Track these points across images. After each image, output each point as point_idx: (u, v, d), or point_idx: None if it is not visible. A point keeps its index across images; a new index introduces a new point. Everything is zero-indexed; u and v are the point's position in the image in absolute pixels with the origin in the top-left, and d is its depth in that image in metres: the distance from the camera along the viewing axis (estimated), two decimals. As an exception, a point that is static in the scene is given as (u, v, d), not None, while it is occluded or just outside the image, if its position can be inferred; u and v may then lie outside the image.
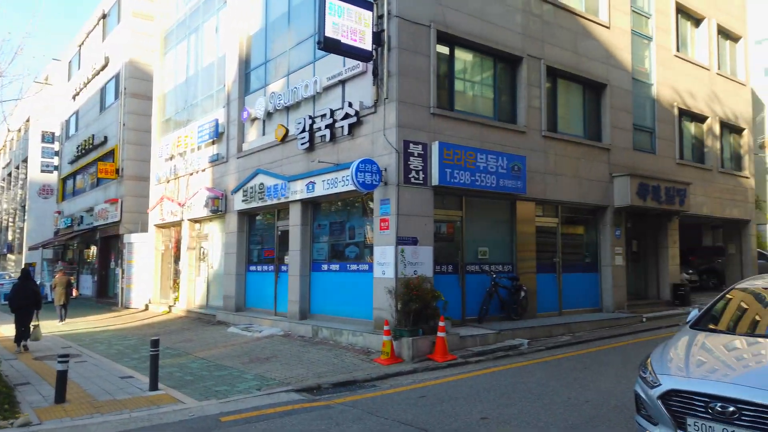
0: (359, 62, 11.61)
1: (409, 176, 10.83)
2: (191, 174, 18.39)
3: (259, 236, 15.64)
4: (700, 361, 5.21)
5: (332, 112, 12.20)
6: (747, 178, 20.38)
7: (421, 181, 11.00)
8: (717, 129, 19.04)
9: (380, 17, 11.16)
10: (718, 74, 19.27)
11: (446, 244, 11.83)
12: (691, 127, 18.45)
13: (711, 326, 6.02)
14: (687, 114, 18.01)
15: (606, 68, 15.05)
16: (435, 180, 11.02)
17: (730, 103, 19.75)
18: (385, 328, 9.77)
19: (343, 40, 10.55)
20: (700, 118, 18.63)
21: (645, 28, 16.79)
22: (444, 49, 11.96)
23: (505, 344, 10.73)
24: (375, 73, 11.14)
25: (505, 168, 12.10)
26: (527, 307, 12.59)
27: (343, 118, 11.83)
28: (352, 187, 11.03)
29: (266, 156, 14.59)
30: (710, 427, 4.59)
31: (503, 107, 12.98)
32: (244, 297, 15.67)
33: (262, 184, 14.37)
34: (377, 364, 9.61)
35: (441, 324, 9.76)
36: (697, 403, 4.71)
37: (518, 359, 10.05)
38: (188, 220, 18.49)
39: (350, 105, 11.68)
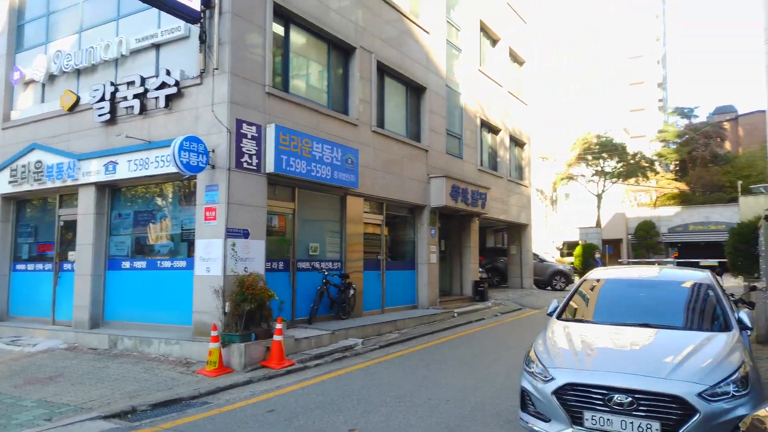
0: (180, 24, 9.97)
1: (242, 160, 9.57)
2: (-73, 146, 14.18)
3: (31, 227, 12.61)
4: (589, 352, 5.18)
5: (144, 79, 10.28)
6: (527, 186, 23.00)
7: (255, 167, 9.82)
8: (507, 141, 21.09)
9: (210, -24, 9.70)
10: (508, 92, 21.37)
11: (277, 239, 10.77)
12: (489, 138, 20.12)
13: (578, 317, 6.15)
14: (486, 125, 19.57)
15: (426, 72, 15.47)
16: (270, 166, 9.93)
17: (517, 120, 22.08)
18: (212, 333, 8.40)
19: (169, -6, 8.89)
20: (495, 130, 20.42)
21: (456, 39, 17.77)
22: (279, 27, 10.92)
23: (340, 345, 10.10)
24: (202, 39, 9.63)
25: (340, 160, 11.52)
26: (354, 306, 12.16)
27: (158, 88, 10.02)
28: (171, 169, 9.38)
29: (46, 128, 11.81)
30: (608, 419, 4.51)
31: (336, 97, 12.40)
32: (8, 303, 12.47)
33: (39, 162, 11.57)
34: (202, 376, 8.19)
35: (278, 326, 8.73)
36: (594, 396, 4.62)
37: (357, 360, 9.50)
38: None
39: (168, 73, 9.95)
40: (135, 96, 10.31)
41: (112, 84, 10.66)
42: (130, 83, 10.41)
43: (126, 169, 10.32)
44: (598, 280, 6.83)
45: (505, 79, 21.05)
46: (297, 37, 11.47)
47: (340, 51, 12.50)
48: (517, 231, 22.86)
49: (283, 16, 10.85)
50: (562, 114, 58.16)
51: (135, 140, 10.10)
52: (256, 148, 9.86)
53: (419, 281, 15.07)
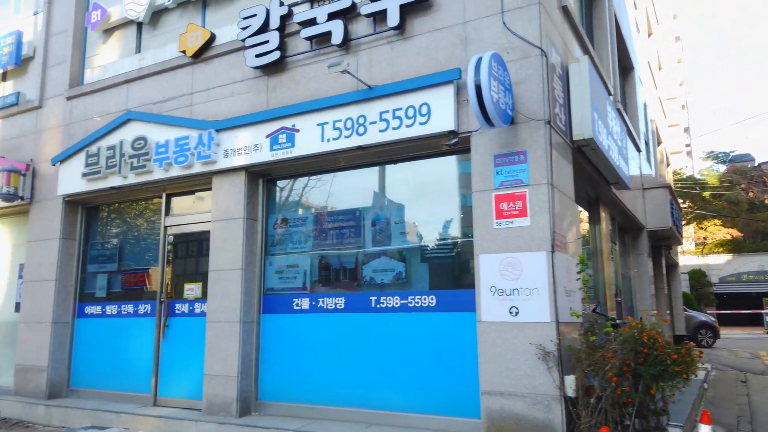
0: None
1: (555, 112, 5.30)
2: (-54, 134, 9.79)
3: (111, 248, 8.06)
4: None
5: (349, -12, 6.11)
6: (673, 215, 18.84)
7: (564, 129, 5.54)
8: (666, 155, 17.05)
9: None
10: (659, 97, 17.49)
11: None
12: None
13: None
14: (655, 128, 15.53)
15: (629, 44, 11.44)
16: (584, 129, 5.63)
17: (662, 128, 18.16)
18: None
19: None
20: (658, 140, 16.40)
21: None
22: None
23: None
24: None
25: (621, 138, 7.30)
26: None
27: (381, -2, 5.83)
28: (412, 132, 5.40)
29: (148, 89, 7.52)
30: None
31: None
32: (69, 368, 7.81)
33: (141, 139, 7.18)
34: None
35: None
36: None
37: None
38: (-70, 219, 9.70)
39: (402, -28, 5.77)
40: (332, 16, 6.09)
41: (282, 3, 6.46)
42: (322, -3, 6.22)
43: (312, 138, 5.99)
44: None
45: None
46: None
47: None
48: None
49: None
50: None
51: (326, 88, 5.82)
52: (563, 96, 5.61)
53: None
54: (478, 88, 4.49)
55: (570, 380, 4.53)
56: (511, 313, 4.85)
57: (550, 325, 4.66)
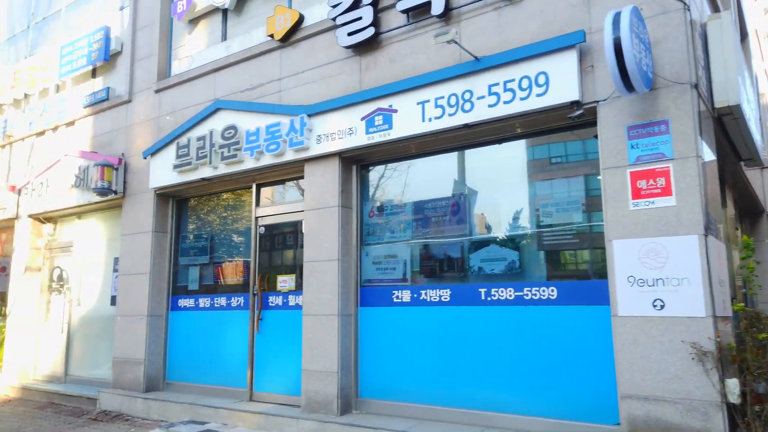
0: None
1: (699, 75, 4.60)
2: (42, 132, 10.09)
3: (203, 240, 7.98)
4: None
5: (448, -46, 5.60)
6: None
7: (707, 93, 4.82)
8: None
9: None
10: None
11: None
12: None
13: None
14: None
15: None
16: (729, 95, 4.90)
17: None
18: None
19: None
20: None
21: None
22: None
23: None
24: None
25: (757, 108, 6.42)
26: None
27: (488, -41, 5.28)
28: (526, 105, 4.82)
29: (235, 77, 7.32)
30: None
31: None
32: (165, 362, 7.80)
33: (231, 128, 6.99)
34: None
35: None
36: None
37: None
38: (31, 216, 10.02)
39: (508, -70, 5.20)
40: (433, -16, 5.62)
41: (374, -24, 6.05)
42: (420, -36, 5.74)
43: (411, 118, 5.55)
44: None
45: None
46: None
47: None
48: None
49: None
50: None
51: (425, 64, 5.35)
52: (703, 56, 4.89)
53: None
54: (618, 46, 3.89)
55: (733, 384, 3.87)
56: (654, 306, 4.22)
57: (706, 320, 4.01)
